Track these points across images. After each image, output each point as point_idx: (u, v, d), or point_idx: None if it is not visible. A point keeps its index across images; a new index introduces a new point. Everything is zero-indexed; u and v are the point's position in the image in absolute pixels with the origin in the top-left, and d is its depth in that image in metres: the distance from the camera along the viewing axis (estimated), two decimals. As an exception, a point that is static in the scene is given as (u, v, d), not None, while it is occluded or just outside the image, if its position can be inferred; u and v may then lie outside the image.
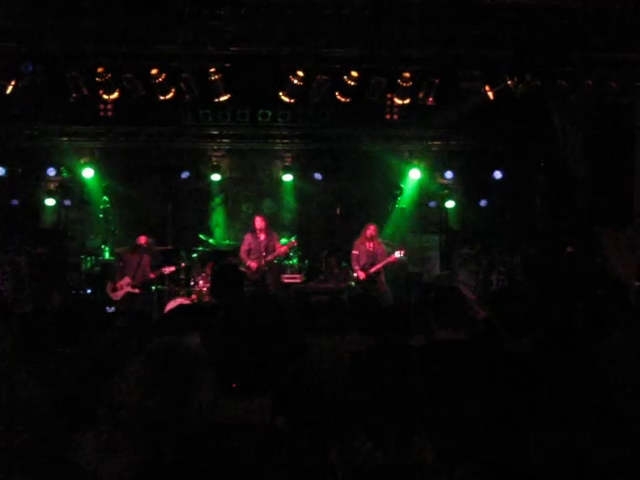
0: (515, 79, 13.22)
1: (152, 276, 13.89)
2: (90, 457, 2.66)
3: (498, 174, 16.65)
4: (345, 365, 4.04)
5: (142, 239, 14.24)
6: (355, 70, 13.29)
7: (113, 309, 13.24)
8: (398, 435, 3.28)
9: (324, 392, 3.83)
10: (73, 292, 15.22)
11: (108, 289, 13.79)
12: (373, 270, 13.93)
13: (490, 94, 13.63)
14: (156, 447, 2.49)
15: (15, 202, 16.11)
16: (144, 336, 5.21)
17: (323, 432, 3.34)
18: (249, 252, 14.10)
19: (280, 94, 13.79)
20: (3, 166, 15.49)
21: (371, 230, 14.11)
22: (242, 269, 14.47)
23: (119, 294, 13.65)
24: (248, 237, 14.25)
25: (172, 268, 14.17)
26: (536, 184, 16.38)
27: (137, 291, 13.81)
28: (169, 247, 16.13)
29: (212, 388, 2.60)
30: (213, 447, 2.35)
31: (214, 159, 16.93)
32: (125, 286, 13.71)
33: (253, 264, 13.90)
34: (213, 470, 2.30)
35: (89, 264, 15.98)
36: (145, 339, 4.17)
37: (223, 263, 14.57)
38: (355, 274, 14.15)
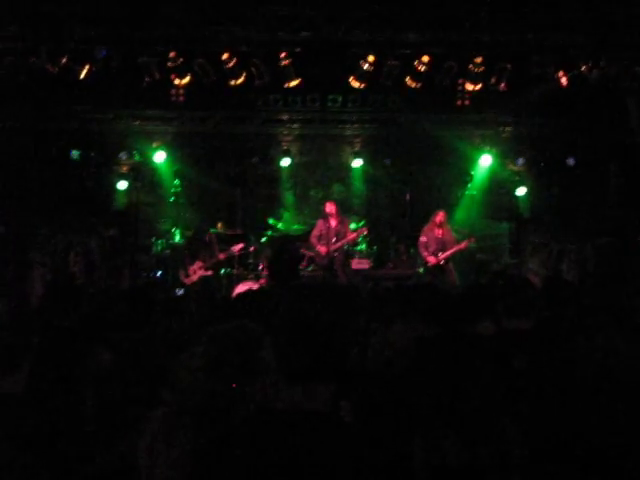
0: (590, 65, 12.98)
1: (222, 257, 13.95)
2: (151, 440, 2.69)
3: (570, 161, 16.39)
4: (409, 353, 4.02)
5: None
6: (426, 55, 13.19)
7: (182, 291, 13.39)
8: (481, 430, 3.25)
9: (387, 380, 3.81)
10: (144, 274, 15.44)
11: (181, 275, 13.88)
12: (442, 257, 13.85)
13: (564, 80, 13.40)
14: (216, 432, 2.50)
15: (88, 185, 16.35)
16: (211, 320, 5.26)
17: (389, 423, 3.33)
18: (319, 237, 14.12)
19: (350, 79, 13.75)
20: (77, 149, 15.74)
21: (440, 217, 14.03)
22: (311, 254, 14.55)
23: (193, 278, 13.75)
24: (320, 223, 14.27)
25: (241, 245, 14.22)
26: (609, 172, 16.07)
27: (210, 273, 13.89)
28: (238, 231, 16.24)
29: (274, 374, 2.61)
30: (273, 434, 2.35)
31: (284, 144, 16.94)
32: (198, 270, 13.80)
33: (322, 249, 13.92)
34: (273, 458, 2.31)
35: (160, 247, 16.17)
36: (212, 323, 4.20)
37: (281, 246, 14.65)
38: (424, 260, 14.07)
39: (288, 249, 14.79)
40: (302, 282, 14.14)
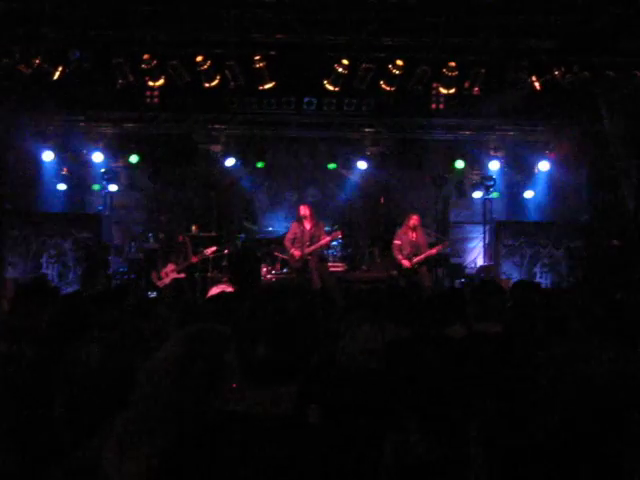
0: (562, 70, 13.08)
1: (194, 260, 13.89)
2: (116, 443, 2.68)
3: (544, 165, 16.52)
4: (379, 355, 4.03)
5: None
6: (400, 59, 13.23)
7: (155, 294, 13.35)
8: (446, 428, 3.27)
9: (354, 382, 3.82)
10: (117, 277, 15.39)
11: (154, 278, 13.79)
12: (416, 260, 13.87)
13: (537, 84, 13.49)
14: (181, 436, 2.50)
15: (62, 187, 16.27)
16: (182, 323, 5.25)
17: (357, 424, 3.34)
18: (294, 240, 14.08)
19: (325, 82, 13.76)
20: (50, 151, 15.67)
21: (414, 220, 14.03)
22: (284, 257, 14.55)
23: (165, 281, 13.68)
24: (294, 225, 14.23)
25: (214, 248, 14.18)
26: (582, 176, 16.18)
27: (182, 276, 13.83)
28: (213, 233, 16.23)
29: (238, 377, 2.60)
30: (236, 437, 2.35)
31: (259, 146, 16.95)
32: (170, 272, 13.74)
33: (296, 252, 13.89)
34: (237, 461, 2.31)
35: (133, 249, 16.14)
36: (182, 326, 4.19)
37: (239, 249, 14.67)
38: (399, 263, 14.08)
39: (247, 253, 14.84)
40: (270, 285, 14.16)
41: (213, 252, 14.18)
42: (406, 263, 13.87)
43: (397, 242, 14.06)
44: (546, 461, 2.46)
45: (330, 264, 15.38)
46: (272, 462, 2.32)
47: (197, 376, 2.65)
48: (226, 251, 14.75)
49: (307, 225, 14.02)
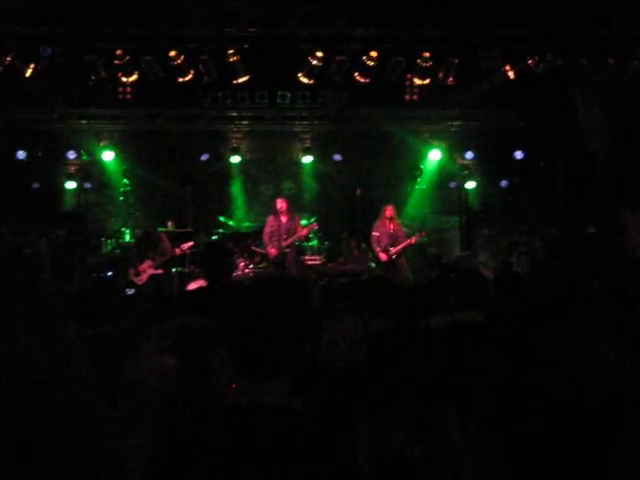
0: (536, 58, 13.14)
1: (178, 252, 13.70)
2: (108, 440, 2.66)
3: (519, 154, 16.58)
4: (362, 348, 4.02)
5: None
6: (374, 50, 13.23)
7: (133, 291, 13.27)
8: (426, 421, 3.27)
9: (340, 375, 3.82)
10: (94, 275, 15.28)
11: (131, 275, 13.66)
12: (394, 252, 13.86)
13: (511, 73, 13.54)
14: (172, 429, 2.49)
15: (36, 185, 16.16)
16: (163, 318, 5.22)
17: (341, 417, 3.33)
18: (271, 234, 14.03)
19: (299, 75, 13.75)
20: (23, 150, 15.56)
21: (389, 211, 14.03)
22: (262, 251, 14.51)
23: (143, 278, 13.57)
24: (270, 219, 14.17)
25: (191, 243, 14.07)
26: (557, 164, 16.26)
27: (160, 272, 13.73)
28: (189, 229, 16.15)
29: (228, 369, 2.59)
30: (228, 429, 2.34)
31: (233, 141, 16.91)
32: (147, 269, 13.63)
33: (272, 250, 13.84)
34: (228, 453, 2.30)
35: (110, 247, 16.04)
36: (164, 321, 4.17)
37: (209, 245, 14.61)
38: (377, 255, 14.08)
39: (216, 248, 14.76)
40: (256, 278, 14.11)
41: (190, 247, 14.08)
42: (383, 257, 13.86)
43: (375, 234, 14.04)
44: (536, 452, 2.46)
45: (307, 257, 15.35)
46: (263, 454, 2.32)
47: (186, 369, 2.65)
48: (190, 243, 14.43)
49: (283, 219, 13.97)
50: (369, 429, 3.24)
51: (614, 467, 2.33)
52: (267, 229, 14.11)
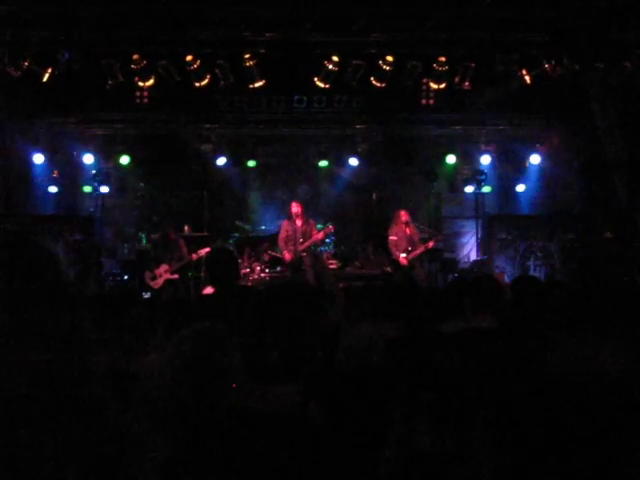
0: (552, 62, 13.08)
1: (194, 257, 13.72)
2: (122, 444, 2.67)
3: (535, 159, 16.55)
4: (378, 352, 4.02)
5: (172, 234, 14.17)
6: (390, 55, 13.22)
7: (149, 295, 13.30)
8: (451, 422, 3.27)
9: (356, 380, 3.82)
10: (110, 279, 15.33)
11: (147, 278, 13.71)
12: (411, 256, 13.83)
13: (527, 78, 13.50)
14: (185, 434, 2.49)
15: (53, 190, 16.22)
16: (178, 322, 5.22)
17: (355, 422, 3.33)
18: (287, 239, 14.03)
19: (315, 80, 13.74)
20: (41, 154, 15.64)
21: (405, 215, 14.00)
22: (278, 255, 14.52)
23: (159, 282, 13.61)
24: (285, 224, 14.17)
25: (207, 249, 14.10)
26: (574, 169, 16.20)
27: (176, 276, 13.76)
28: (205, 233, 16.19)
29: (241, 374, 2.59)
30: (241, 435, 2.35)
31: (249, 145, 16.93)
32: (164, 273, 13.67)
33: (288, 255, 13.85)
34: (241, 458, 2.30)
35: (126, 251, 16.09)
36: (179, 325, 4.18)
37: (216, 249, 14.62)
38: (396, 259, 14.02)
39: (221, 254, 14.74)
40: (272, 284, 14.13)
41: (206, 253, 14.12)
42: (403, 261, 13.82)
43: (393, 238, 14.00)
44: (549, 454, 2.45)
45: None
46: (275, 459, 2.31)
47: (199, 374, 2.65)
48: (207, 249, 14.45)
49: (298, 222, 13.97)
50: (397, 428, 3.24)
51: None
52: (282, 234, 14.11)
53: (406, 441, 3.18)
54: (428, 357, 3.68)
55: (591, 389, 2.64)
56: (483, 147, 16.94)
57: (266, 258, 14.96)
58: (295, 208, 14.03)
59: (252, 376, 2.46)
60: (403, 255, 13.81)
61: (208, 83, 13.61)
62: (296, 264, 13.90)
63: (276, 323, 2.46)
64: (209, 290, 12.08)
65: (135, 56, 12.97)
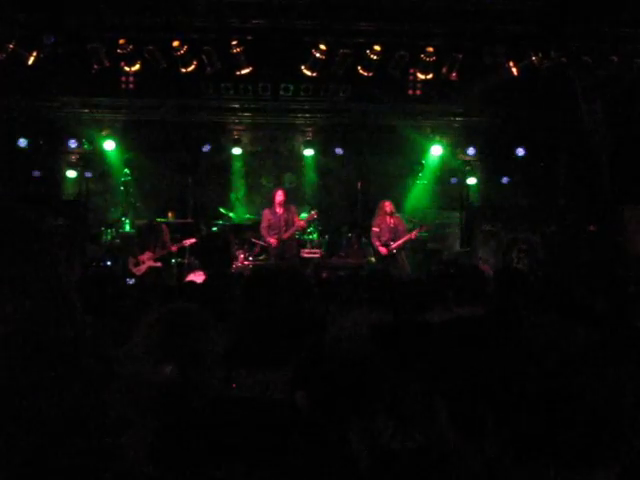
0: (540, 55, 13.10)
1: (173, 249, 13.81)
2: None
3: (520, 151, 16.58)
4: (363, 341, 4.02)
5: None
6: (378, 44, 13.20)
7: (133, 281, 13.26)
8: (420, 415, 3.26)
9: (343, 368, 3.81)
10: (93, 264, 15.26)
11: (130, 264, 13.68)
12: (394, 246, 13.87)
13: (514, 70, 13.51)
14: (167, 421, 2.48)
15: (36, 173, 16.15)
16: (159, 306, 5.21)
17: (342, 410, 3.32)
18: (269, 227, 14.02)
19: (302, 68, 13.71)
20: (25, 138, 15.55)
21: (389, 206, 14.04)
22: (262, 243, 14.50)
23: (142, 268, 13.58)
24: (266, 213, 14.15)
25: (193, 240, 14.11)
26: (558, 161, 16.24)
27: (159, 264, 13.74)
28: (189, 220, 16.14)
29: (222, 360, 2.58)
30: (227, 422, 2.34)
31: (235, 133, 16.89)
32: (147, 260, 13.63)
33: (272, 240, 13.84)
34: (226, 446, 2.29)
35: (109, 236, 16.01)
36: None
37: (207, 235, 14.62)
38: (377, 250, 14.08)
39: (215, 240, 14.77)
40: (258, 270, 14.10)
41: (192, 244, 14.14)
42: (383, 251, 13.87)
43: (375, 229, 14.05)
44: (535, 445, 2.45)
45: (307, 250, 15.32)
46: (261, 447, 2.31)
47: (175, 359, 2.62)
48: (192, 240, 14.44)
49: (279, 210, 13.96)
50: (361, 421, 3.24)
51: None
52: (264, 223, 14.09)
53: (367, 436, 3.17)
54: (415, 345, 3.68)
55: (555, 363, 2.65)
56: (468, 138, 16.94)
57: (257, 248, 14.92)
58: (279, 196, 14.02)
59: (239, 362, 2.45)
60: (382, 246, 13.86)
61: (195, 69, 13.58)
62: (280, 252, 13.90)
63: (261, 309, 2.45)
64: (193, 277, 12.05)
65: (121, 41, 12.91)
